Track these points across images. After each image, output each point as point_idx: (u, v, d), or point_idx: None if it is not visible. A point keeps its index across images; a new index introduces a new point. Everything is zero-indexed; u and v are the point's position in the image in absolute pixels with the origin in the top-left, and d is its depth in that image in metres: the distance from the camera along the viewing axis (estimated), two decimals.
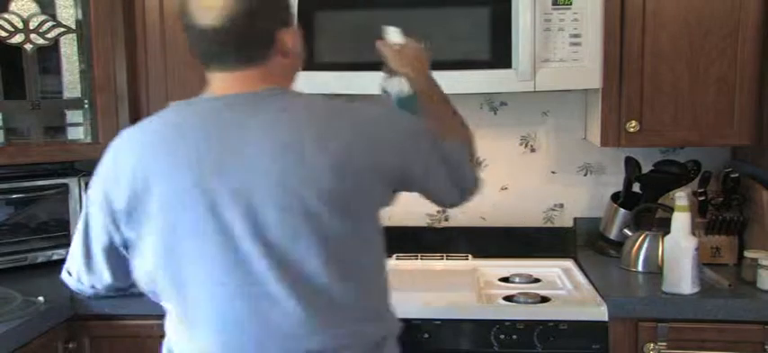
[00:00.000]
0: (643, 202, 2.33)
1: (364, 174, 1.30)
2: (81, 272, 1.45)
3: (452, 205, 1.59)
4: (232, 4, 1.25)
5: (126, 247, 1.38)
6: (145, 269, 1.37)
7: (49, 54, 2.24)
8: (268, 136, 1.26)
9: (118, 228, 1.36)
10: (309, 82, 1.84)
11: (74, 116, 2.30)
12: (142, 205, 1.31)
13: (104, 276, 1.43)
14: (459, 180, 1.50)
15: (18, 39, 2.16)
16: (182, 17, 1.30)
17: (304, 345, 1.30)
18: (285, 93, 1.34)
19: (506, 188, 2.57)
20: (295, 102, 1.33)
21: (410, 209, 2.56)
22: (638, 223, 2.30)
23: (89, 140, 2.28)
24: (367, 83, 1.77)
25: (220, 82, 1.32)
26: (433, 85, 1.65)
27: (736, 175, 2.23)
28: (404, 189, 1.40)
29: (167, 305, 1.41)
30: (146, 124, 1.37)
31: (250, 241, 1.25)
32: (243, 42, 1.28)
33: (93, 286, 1.46)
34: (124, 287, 1.47)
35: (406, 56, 1.63)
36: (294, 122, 1.28)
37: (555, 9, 2.07)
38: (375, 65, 1.76)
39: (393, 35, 1.68)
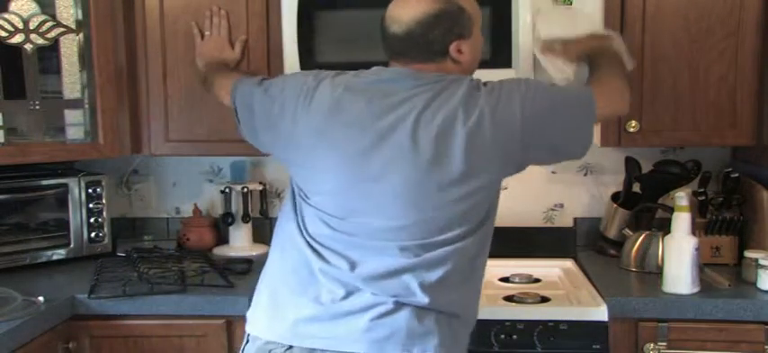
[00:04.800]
0: (643, 202, 2.33)
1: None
2: None
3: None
4: (412, 19, 1.59)
5: None
6: None
7: (49, 54, 2.23)
8: None
9: None
10: None
11: (74, 116, 2.30)
12: None
13: None
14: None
15: (18, 39, 2.16)
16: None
17: None
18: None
19: (506, 188, 2.56)
20: None
21: None
22: (638, 223, 2.30)
23: (89, 140, 2.28)
24: None
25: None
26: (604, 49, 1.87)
27: (737, 175, 2.23)
28: None
29: None
30: None
31: None
32: (418, 48, 1.60)
33: None
34: None
35: (574, 46, 1.88)
36: None
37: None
38: (375, 65, 1.76)
39: (543, 26, 1.85)
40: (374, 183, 1.55)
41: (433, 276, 1.54)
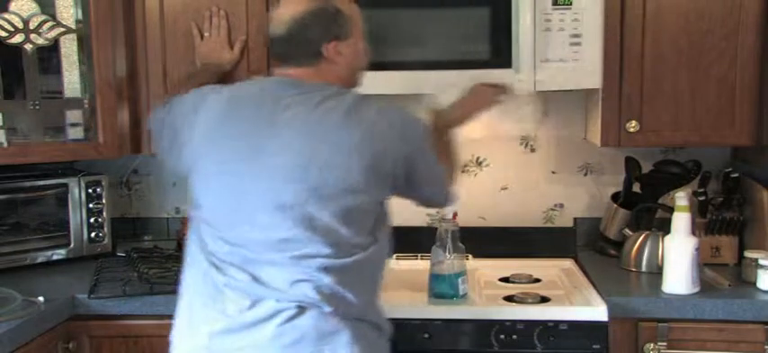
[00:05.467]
0: (643, 202, 2.33)
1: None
2: None
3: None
4: (291, 17, 1.63)
5: None
6: None
7: (49, 54, 2.23)
8: None
9: None
10: None
11: (74, 116, 2.30)
12: None
13: None
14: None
15: (18, 39, 2.16)
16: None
17: None
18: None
19: (506, 188, 2.57)
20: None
21: (410, 209, 2.57)
22: (638, 223, 2.30)
23: (89, 140, 2.28)
24: (368, 82, 1.77)
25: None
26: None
27: (737, 175, 2.23)
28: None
29: None
30: None
31: None
32: (298, 49, 1.64)
33: None
34: None
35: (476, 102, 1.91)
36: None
37: (555, 9, 2.07)
38: (374, 65, 1.76)
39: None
40: (260, 195, 1.56)
41: (330, 283, 1.55)
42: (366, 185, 1.56)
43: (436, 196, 1.76)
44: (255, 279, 1.56)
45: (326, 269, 1.54)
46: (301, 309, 1.54)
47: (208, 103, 1.68)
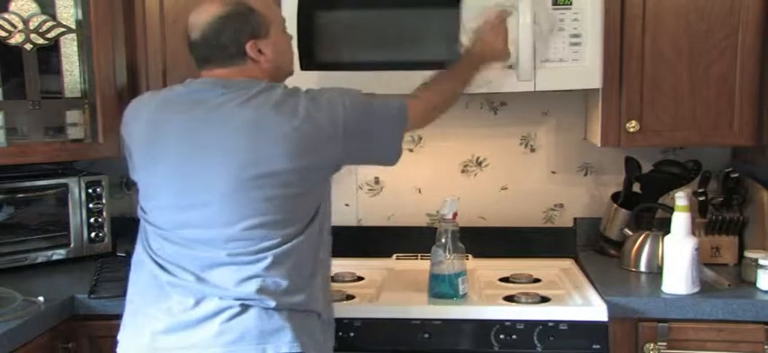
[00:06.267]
0: (643, 202, 2.33)
1: None
2: None
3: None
4: (204, 23, 1.67)
5: None
6: None
7: (48, 54, 2.24)
8: None
9: None
10: (309, 82, 1.85)
11: (74, 116, 2.30)
12: None
13: None
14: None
15: (18, 39, 2.16)
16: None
17: None
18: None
19: (506, 188, 2.57)
20: None
21: (410, 209, 2.57)
22: (638, 223, 2.30)
23: (89, 140, 2.28)
24: (368, 82, 1.77)
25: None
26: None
27: (736, 175, 2.23)
28: None
29: None
30: None
31: None
32: (216, 52, 1.67)
33: None
34: None
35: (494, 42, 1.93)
36: None
37: (555, 9, 2.06)
38: (374, 65, 1.76)
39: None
40: (197, 193, 1.60)
41: (271, 278, 1.57)
42: (301, 174, 1.59)
43: (386, 154, 1.77)
44: (199, 278, 1.59)
45: (268, 263, 1.57)
46: (244, 306, 1.56)
47: (142, 112, 1.73)
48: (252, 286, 1.56)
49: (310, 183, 1.63)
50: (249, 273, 1.57)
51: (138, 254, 1.71)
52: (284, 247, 1.59)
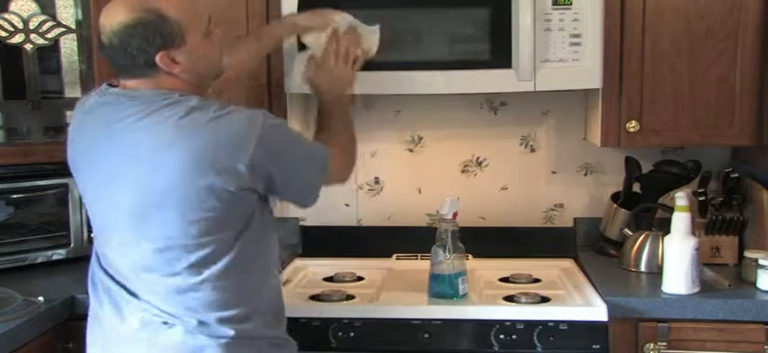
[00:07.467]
0: (643, 202, 2.33)
1: None
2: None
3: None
4: (111, 30, 1.50)
5: None
6: None
7: (49, 54, 2.24)
8: None
9: None
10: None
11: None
12: None
13: None
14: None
15: (18, 39, 2.16)
16: None
17: None
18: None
19: (506, 188, 2.57)
20: None
21: (410, 209, 2.57)
22: (638, 223, 2.30)
23: None
24: (368, 82, 1.77)
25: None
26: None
27: (736, 175, 2.23)
28: None
29: None
30: None
31: None
32: (125, 61, 1.53)
33: None
34: None
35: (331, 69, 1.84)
36: None
37: (555, 9, 2.06)
38: (374, 65, 1.76)
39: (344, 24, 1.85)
40: (114, 213, 1.56)
41: (194, 295, 1.54)
42: (208, 196, 1.48)
43: (302, 196, 1.69)
44: (125, 292, 1.59)
45: (190, 280, 1.53)
46: (169, 325, 1.55)
47: (73, 122, 1.67)
48: (174, 304, 1.54)
49: (219, 201, 1.49)
50: (170, 292, 1.54)
51: (91, 263, 1.71)
52: (204, 267, 1.52)
